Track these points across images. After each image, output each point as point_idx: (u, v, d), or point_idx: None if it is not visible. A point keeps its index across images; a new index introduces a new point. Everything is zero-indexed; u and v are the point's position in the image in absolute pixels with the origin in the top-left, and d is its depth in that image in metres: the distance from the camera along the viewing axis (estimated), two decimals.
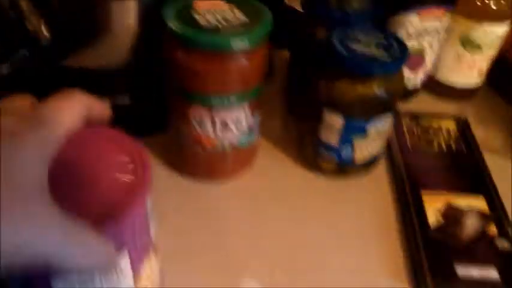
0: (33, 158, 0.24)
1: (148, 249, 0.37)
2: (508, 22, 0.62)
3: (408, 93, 0.68)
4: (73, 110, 0.28)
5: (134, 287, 0.36)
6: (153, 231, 0.38)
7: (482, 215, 0.53)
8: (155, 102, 0.55)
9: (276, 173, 0.58)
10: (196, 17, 0.47)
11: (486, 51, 0.64)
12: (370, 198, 0.56)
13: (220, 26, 0.46)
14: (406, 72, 0.65)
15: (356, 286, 0.47)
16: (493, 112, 0.69)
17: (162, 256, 0.43)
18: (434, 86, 0.69)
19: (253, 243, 0.50)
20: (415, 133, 0.63)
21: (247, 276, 0.47)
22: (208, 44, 0.45)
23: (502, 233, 0.51)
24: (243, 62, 0.47)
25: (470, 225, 0.52)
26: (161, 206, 0.50)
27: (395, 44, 0.50)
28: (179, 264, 0.47)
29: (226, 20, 0.47)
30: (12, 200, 0.23)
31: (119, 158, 0.35)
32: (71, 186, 0.33)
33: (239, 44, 0.45)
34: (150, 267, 0.39)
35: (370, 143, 0.54)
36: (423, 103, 0.69)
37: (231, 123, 0.51)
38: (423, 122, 0.64)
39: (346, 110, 0.51)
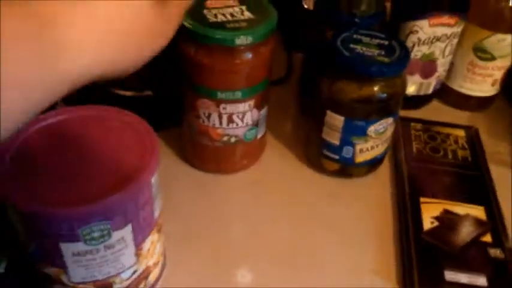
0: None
1: (152, 227, 0.40)
2: None
3: (419, 100, 0.68)
4: None
5: (136, 260, 0.39)
6: (158, 212, 0.41)
7: (478, 223, 0.53)
8: (173, 97, 0.57)
9: (281, 170, 0.59)
10: (206, 13, 0.49)
11: (500, 61, 0.64)
12: (371, 199, 0.56)
13: (227, 22, 0.48)
14: (418, 79, 0.65)
15: (346, 283, 0.48)
16: (507, 124, 0.68)
17: (166, 239, 0.46)
18: (447, 94, 0.69)
19: (254, 236, 0.52)
20: (422, 139, 0.63)
21: (244, 268, 0.48)
22: (213, 39, 0.47)
23: (497, 242, 0.51)
24: (248, 57, 0.49)
25: (465, 232, 0.52)
26: (170, 193, 0.53)
27: (398, 48, 0.51)
28: (181, 249, 0.49)
29: (233, 16, 0.49)
30: None
31: (131, 140, 0.39)
32: (88, 157, 0.38)
33: (243, 39, 0.47)
34: (153, 245, 0.41)
35: (371, 145, 0.54)
36: (435, 111, 0.69)
37: (237, 117, 0.53)
38: (432, 129, 0.64)
39: (347, 110, 0.52)
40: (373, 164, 0.58)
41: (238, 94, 0.51)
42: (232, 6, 0.51)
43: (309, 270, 0.49)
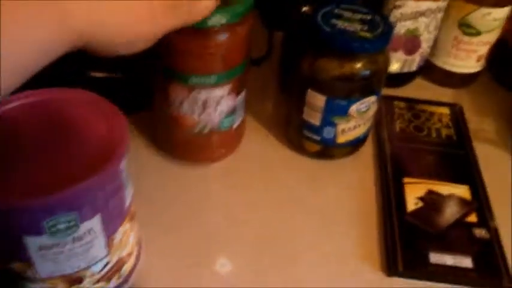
0: None
1: (123, 216, 0.38)
2: (508, 7, 0.60)
3: (403, 78, 0.66)
4: None
5: (107, 252, 0.37)
6: (129, 200, 0.39)
7: (463, 203, 0.52)
8: (146, 79, 0.54)
9: (261, 153, 0.57)
10: None
11: (485, 36, 0.62)
12: (353, 181, 0.55)
13: None
14: (402, 55, 0.63)
15: (329, 268, 0.46)
16: (491, 101, 0.67)
17: (141, 228, 0.43)
18: (431, 71, 0.68)
19: (233, 223, 0.50)
20: (406, 118, 0.61)
21: (223, 257, 0.47)
22: None
23: (482, 222, 0.50)
24: (223, 39, 0.45)
25: (450, 212, 0.51)
26: (143, 181, 0.51)
27: (381, 23, 0.49)
28: (157, 238, 0.47)
29: None
30: None
31: (100, 124, 0.36)
32: (54, 142, 0.35)
33: (217, 19, 0.43)
34: (126, 235, 0.39)
35: (353, 125, 0.53)
36: (419, 88, 0.68)
37: (212, 103, 0.49)
38: (416, 108, 0.63)
39: (328, 88, 0.50)
40: (355, 145, 0.56)
41: (213, 79, 0.47)
42: None
43: (291, 256, 0.47)
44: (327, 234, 0.49)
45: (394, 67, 0.64)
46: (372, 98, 0.51)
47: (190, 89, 0.48)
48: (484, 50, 0.64)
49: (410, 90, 0.67)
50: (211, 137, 0.53)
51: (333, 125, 0.52)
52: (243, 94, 0.52)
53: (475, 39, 0.62)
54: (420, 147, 0.58)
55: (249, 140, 0.58)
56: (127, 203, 0.38)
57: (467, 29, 0.62)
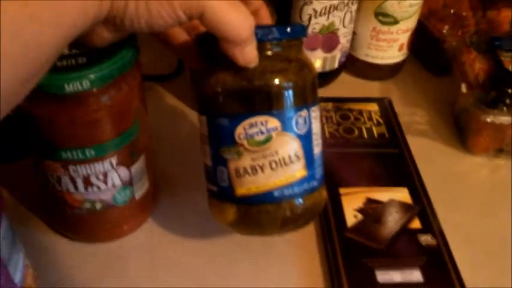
0: None
1: None
2: None
3: (326, 76, 0.62)
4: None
5: None
6: (20, 274, 0.33)
7: (404, 208, 0.48)
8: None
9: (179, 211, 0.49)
10: None
11: (404, 24, 0.58)
12: None
13: (58, 59, 0.32)
14: (321, 54, 0.59)
15: None
16: (420, 89, 0.64)
17: None
18: (354, 65, 0.64)
19: None
20: (334, 120, 0.57)
21: None
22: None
23: (426, 226, 0.46)
24: (93, 106, 0.36)
25: (392, 221, 0.47)
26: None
27: None
28: None
29: (71, 49, 0.35)
30: None
31: None
32: None
33: (77, 85, 0.33)
34: None
35: (250, 165, 0.35)
36: (345, 86, 0.64)
37: (96, 179, 0.40)
38: (343, 107, 0.59)
39: (209, 103, 0.37)
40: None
41: (90, 152, 0.38)
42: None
43: None
44: (263, 267, 0.44)
45: (316, 66, 0.60)
46: (271, 120, 0.34)
47: (63, 165, 0.39)
48: (405, 37, 0.60)
49: (336, 89, 0.63)
50: (106, 215, 0.43)
51: (224, 162, 0.36)
52: (141, 160, 0.42)
53: (394, 28, 0.59)
54: (353, 151, 0.54)
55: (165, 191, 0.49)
56: (17, 278, 0.32)
57: (384, 18, 0.58)
